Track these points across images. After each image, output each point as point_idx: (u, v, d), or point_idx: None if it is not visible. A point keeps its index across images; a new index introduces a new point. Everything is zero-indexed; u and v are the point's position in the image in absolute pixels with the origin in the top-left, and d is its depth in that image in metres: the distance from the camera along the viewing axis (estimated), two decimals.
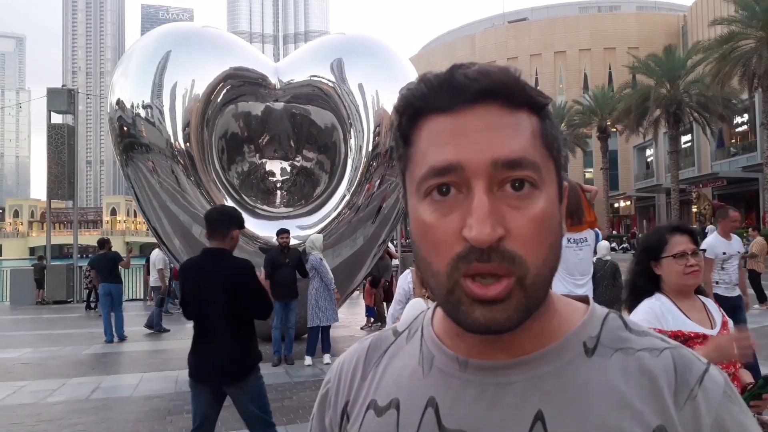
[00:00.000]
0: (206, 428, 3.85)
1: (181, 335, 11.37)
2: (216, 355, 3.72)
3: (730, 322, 2.49)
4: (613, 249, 25.34)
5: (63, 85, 20.10)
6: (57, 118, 18.90)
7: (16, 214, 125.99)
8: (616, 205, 54.03)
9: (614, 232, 45.33)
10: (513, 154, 0.62)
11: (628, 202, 54.15)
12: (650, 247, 2.48)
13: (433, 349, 0.75)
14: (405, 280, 4.63)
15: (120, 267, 11.43)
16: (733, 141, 39.59)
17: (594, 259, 8.76)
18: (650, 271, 2.47)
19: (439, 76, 0.66)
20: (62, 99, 18.13)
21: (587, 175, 56.10)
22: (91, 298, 16.59)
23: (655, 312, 2.38)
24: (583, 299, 0.77)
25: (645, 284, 2.47)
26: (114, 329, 10.83)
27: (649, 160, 51.59)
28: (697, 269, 2.39)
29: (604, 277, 8.40)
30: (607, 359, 0.68)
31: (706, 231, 27.67)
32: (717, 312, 2.47)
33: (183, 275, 3.98)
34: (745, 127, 37.74)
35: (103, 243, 11.60)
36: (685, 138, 41.97)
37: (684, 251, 2.38)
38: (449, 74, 0.65)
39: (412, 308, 2.75)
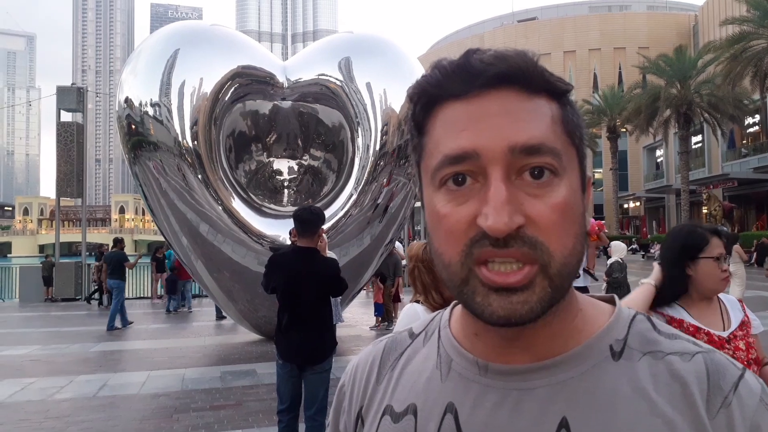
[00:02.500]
0: (294, 408, 4.35)
1: (187, 334, 11.40)
2: (305, 338, 4.26)
3: (755, 321, 2.38)
4: None
5: (72, 84, 20.19)
6: (66, 117, 19.00)
7: (26, 212, 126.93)
8: (625, 205, 53.80)
9: (624, 233, 45.07)
10: (531, 140, 0.59)
11: (638, 203, 53.86)
12: (691, 245, 2.31)
13: (450, 351, 0.72)
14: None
15: (126, 266, 12.55)
16: (744, 142, 39.28)
17: (618, 259, 8.79)
18: (678, 272, 2.31)
19: (454, 62, 0.63)
20: (72, 97, 18.22)
21: (596, 176, 55.85)
22: (95, 296, 16.84)
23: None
24: (609, 299, 0.73)
25: (678, 289, 2.31)
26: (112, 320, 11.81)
27: (659, 160, 51.29)
28: (729, 275, 2.31)
29: (625, 276, 8.49)
30: (635, 363, 0.65)
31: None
32: (737, 311, 2.36)
33: (273, 269, 4.39)
34: (756, 127, 37.43)
35: (116, 242, 13.01)
36: (695, 138, 41.70)
37: (722, 254, 2.28)
38: (464, 59, 0.62)
39: (406, 315, 2.65)
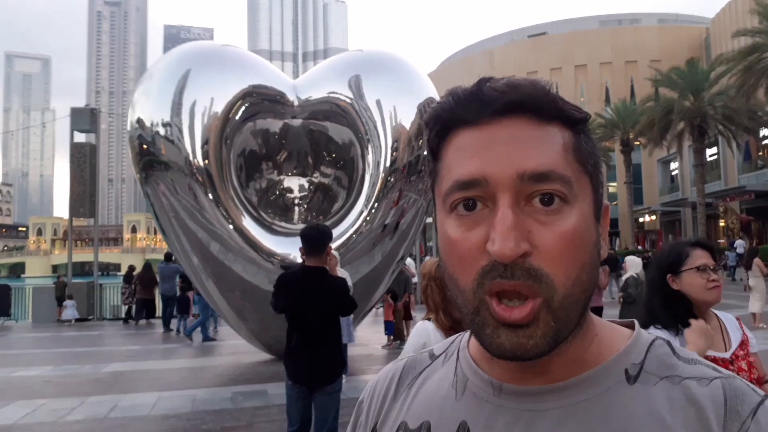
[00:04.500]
0: (304, 430, 4.28)
1: (197, 354, 11.35)
2: (314, 358, 4.19)
3: (752, 339, 2.36)
4: None
5: (86, 105, 20.44)
6: (80, 137, 19.21)
7: (40, 232, 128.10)
8: (640, 219, 53.28)
9: (639, 247, 44.61)
10: (540, 167, 0.60)
11: (653, 217, 53.36)
12: (669, 261, 2.31)
13: (467, 372, 0.73)
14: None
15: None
16: (760, 154, 38.82)
17: (633, 275, 8.65)
18: (665, 290, 2.29)
19: (467, 90, 0.66)
20: (85, 118, 18.44)
21: (611, 190, 55.45)
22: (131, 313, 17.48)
23: None
24: (629, 324, 0.74)
25: (660, 307, 2.28)
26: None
27: (673, 173, 50.86)
28: (720, 285, 2.27)
29: (641, 292, 8.31)
30: (651, 387, 0.64)
31: (735, 245, 27.10)
32: (736, 330, 2.32)
33: (282, 290, 4.31)
34: None
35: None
36: (710, 151, 41.30)
37: (706, 264, 2.26)
38: (477, 87, 0.65)
39: (417, 332, 2.61)
